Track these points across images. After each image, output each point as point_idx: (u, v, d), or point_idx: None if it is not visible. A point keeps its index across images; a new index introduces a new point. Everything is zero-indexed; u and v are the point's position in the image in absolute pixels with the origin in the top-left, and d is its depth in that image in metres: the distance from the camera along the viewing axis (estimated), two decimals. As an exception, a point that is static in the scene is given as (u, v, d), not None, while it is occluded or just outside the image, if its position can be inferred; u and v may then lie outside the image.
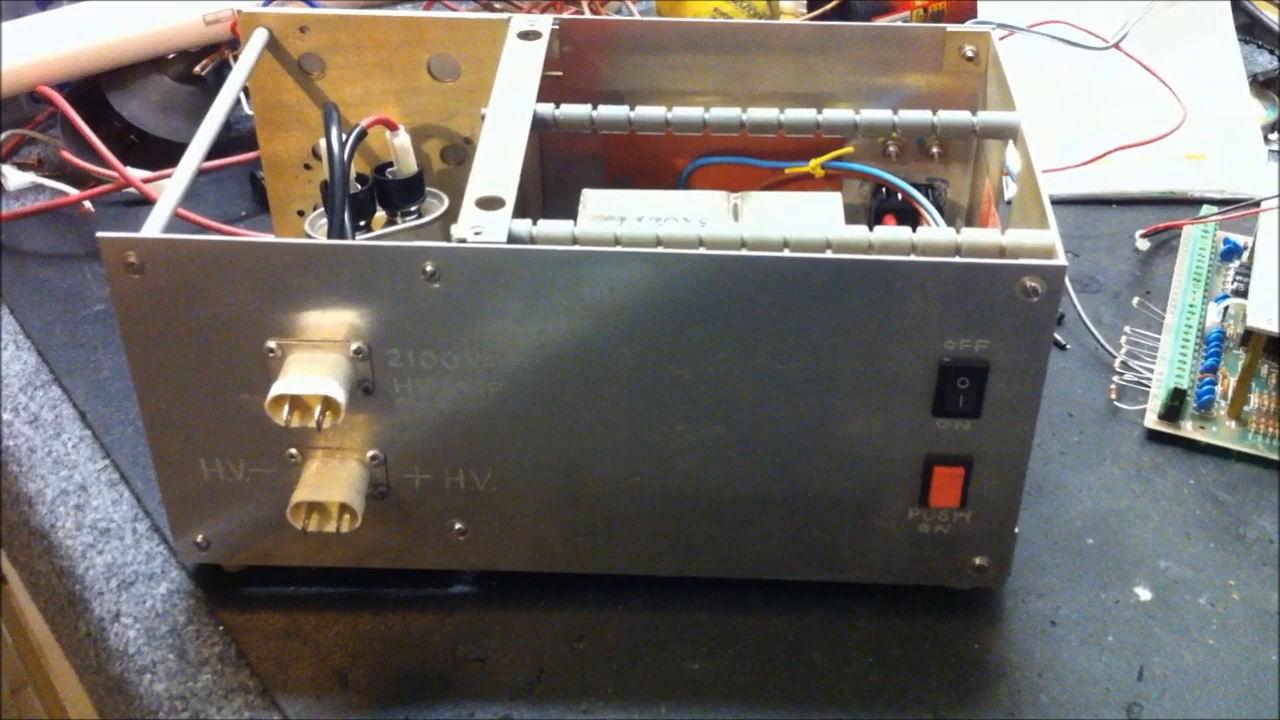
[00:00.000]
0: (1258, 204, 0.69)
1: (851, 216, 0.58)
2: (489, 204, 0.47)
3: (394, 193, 0.57)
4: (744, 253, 0.45)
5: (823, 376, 0.47)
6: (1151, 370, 0.63)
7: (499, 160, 0.49)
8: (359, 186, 0.57)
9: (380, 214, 0.58)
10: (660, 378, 0.47)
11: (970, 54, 0.58)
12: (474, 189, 0.48)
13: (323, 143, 0.54)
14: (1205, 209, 0.74)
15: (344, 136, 0.54)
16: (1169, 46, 0.82)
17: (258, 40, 0.58)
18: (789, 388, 0.47)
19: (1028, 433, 0.48)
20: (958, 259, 0.46)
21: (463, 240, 0.45)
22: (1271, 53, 0.88)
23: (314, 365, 0.46)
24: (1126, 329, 0.65)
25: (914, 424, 0.48)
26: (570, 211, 0.54)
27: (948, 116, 0.54)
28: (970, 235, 0.47)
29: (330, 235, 0.52)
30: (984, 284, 0.45)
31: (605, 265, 0.45)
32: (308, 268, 0.45)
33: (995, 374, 0.47)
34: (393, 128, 0.57)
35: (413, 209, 0.58)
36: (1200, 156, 0.78)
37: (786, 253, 0.46)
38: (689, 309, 0.46)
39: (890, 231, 0.47)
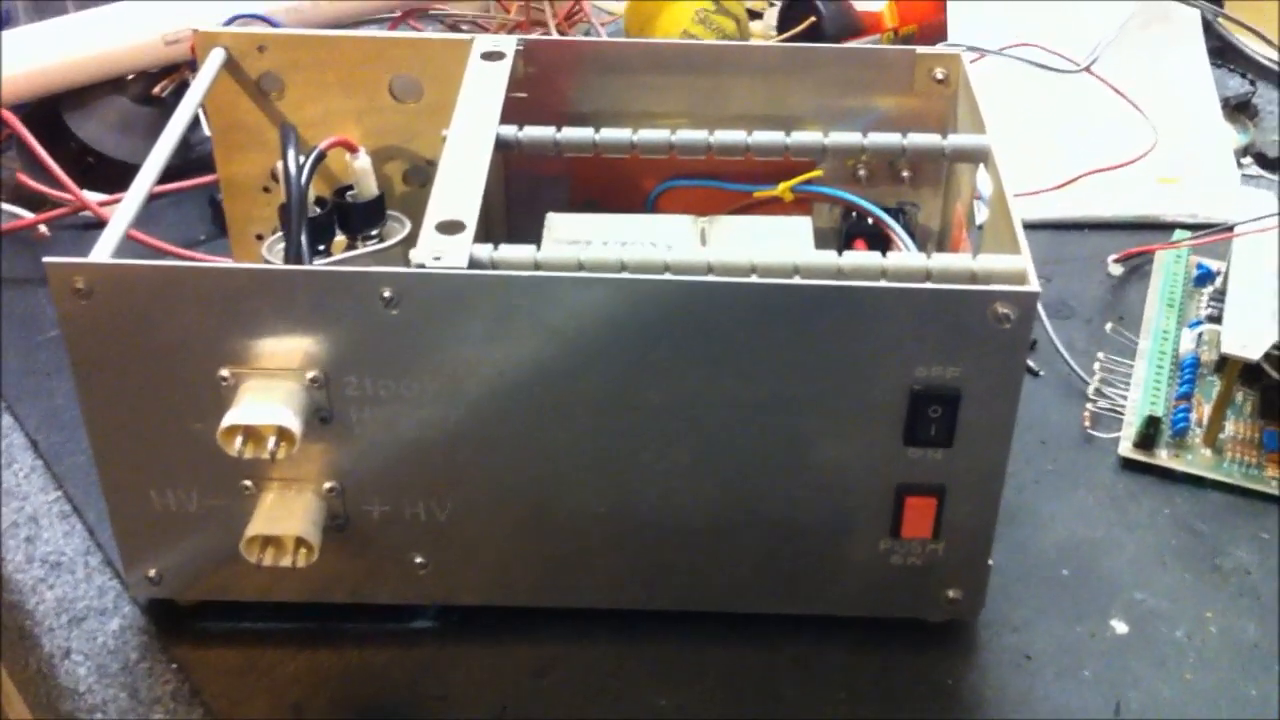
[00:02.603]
0: (1231, 229, 0.68)
1: (821, 240, 0.57)
2: (449, 228, 0.46)
3: (354, 216, 0.56)
4: (710, 278, 0.44)
5: (791, 404, 0.46)
6: (1126, 397, 0.62)
7: (460, 183, 0.48)
8: (319, 210, 0.56)
9: (340, 238, 0.57)
10: (625, 405, 0.46)
11: (940, 76, 0.57)
12: (434, 213, 0.46)
13: (280, 165, 0.53)
14: (1178, 234, 0.73)
15: (302, 159, 0.53)
16: (1141, 70, 0.82)
17: (215, 60, 0.56)
18: (757, 415, 0.46)
19: (1001, 462, 0.47)
20: (928, 285, 0.45)
21: (421, 265, 0.44)
22: (1243, 76, 0.88)
23: (268, 394, 0.44)
24: (1100, 355, 0.64)
25: (885, 453, 0.47)
26: (536, 234, 0.53)
27: (917, 139, 0.53)
28: (941, 260, 0.46)
29: (287, 260, 0.51)
30: (955, 310, 0.44)
31: (568, 291, 0.44)
32: (261, 293, 0.44)
33: (967, 402, 0.46)
34: (353, 149, 0.56)
35: (374, 233, 0.57)
36: (1172, 180, 0.78)
37: (754, 278, 0.45)
38: (654, 335, 0.45)
39: (859, 257, 0.46)
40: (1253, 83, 0.87)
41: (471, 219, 0.46)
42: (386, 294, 0.43)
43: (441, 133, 0.51)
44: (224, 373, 0.45)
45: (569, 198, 0.59)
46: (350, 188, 0.57)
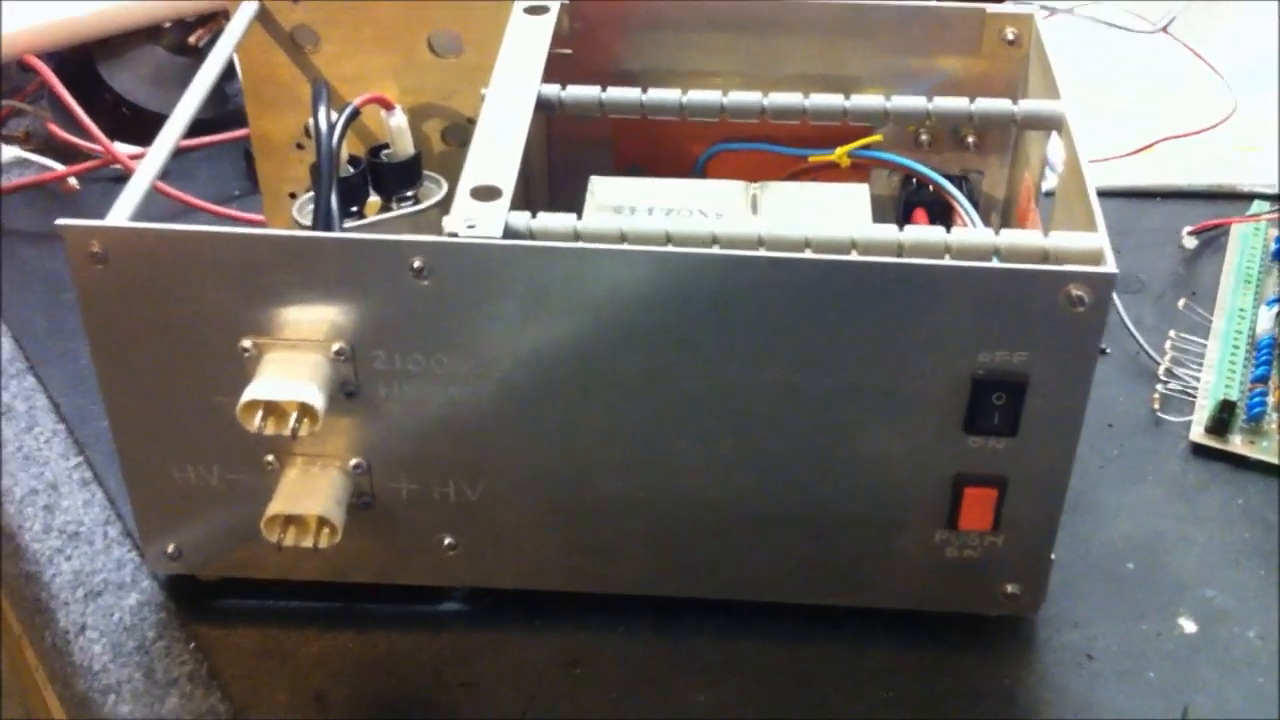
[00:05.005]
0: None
1: (879, 209, 0.54)
2: (485, 194, 0.43)
3: (389, 177, 0.54)
4: (760, 253, 0.41)
5: (843, 388, 0.43)
6: (1198, 378, 0.59)
7: (498, 146, 0.45)
8: (352, 169, 0.53)
9: (374, 199, 0.54)
10: (666, 386, 0.43)
11: (1011, 37, 0.54)
12: (469, 177, 0.44)
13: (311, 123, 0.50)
14: (1256, 205, 0.69)
15: (334, 117, 0.50)
16: (1219, 31, 0.78)
17: (246, 12, 0.54)
18: (806, 399, 0.43)
19: (1068, 452, 0.44)
20: (995, 264, 0.42)
21: (454, 234, 0.41)
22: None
23: (291, 367, 0.42)
24: (1171, 334, 0.61)
25: (943, 441, 0.44)
26: (579, 198, 0.51)
27: (986, 105, 0.50)
28: (1010, 237, 0.43)
29: (315, 225, 0.49)
30: (1024, 292, 0.41)
31: (609, 264, 0.41)
32: (285, 261, 0.41)
33: (1034, 389, 0.43)
34: (388, 107, 0.53)
35: (409, 194, 0.54)
36: (1251, 148, 0.74)
37: (808, 253, 0.42)
38: (700, 312, 0.42)
39: (922, 231, 0.43)
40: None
41: (509, 185, 0.43)
42: (417, 264, 0.41)
43: (481, 91, 0.49)
44: (246, 343, 0.43)
45: (614, 160, 0.57)
46: (386, 146, 0.54)
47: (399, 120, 0.53)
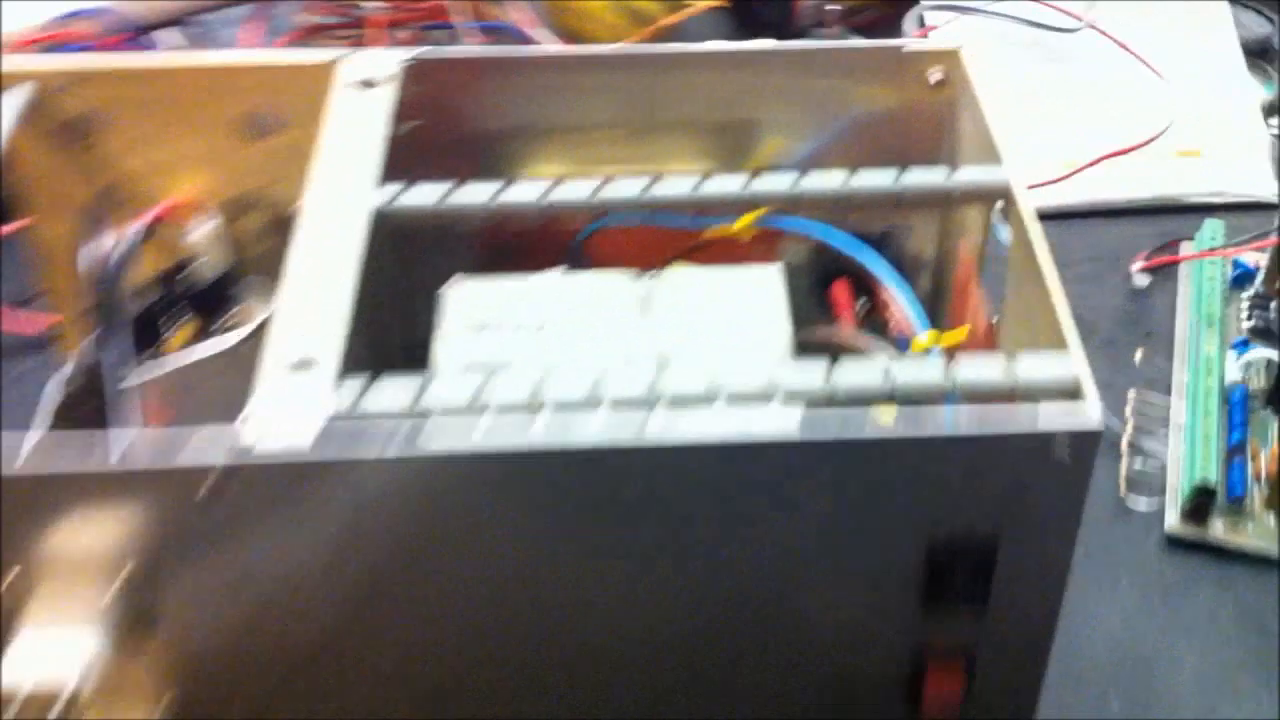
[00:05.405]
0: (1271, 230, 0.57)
1: (794, 278, 0.45)
2: (299, 367, 0.34)
3: (199, 297, 0.44)
4: (655, 439, 0.32)
5: (776, 566, 0.35)
6: (1165, 448, 0.51)
7: (316, 290, 0.36)
8: (164, 284, 0.44)
9: (189, 321, 0.45)
10: (549, 586, 0.34)
11: (934, 80, 0.45)
12: (278, 346, 0.34)
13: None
14: (1208, 225, 0.61)
15: (121, 240, 0.41)
16: (1149, 19, 0.70)
17: (14, 99, 0.44)
18: (729, 581, 0.35)
19: (1051, 616, 0.36)
20: (953, 428, 0.33)
21: (249, 447, 0.31)
22: (1260, 13, 0.76)
23: (56, 623, 0.32)
24: (1131, 393, 0.53)
25: (901, 614, 0.36)
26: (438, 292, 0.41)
27: (915, 180, 0.41)
28: (968, 369, 0.35)
29: (102, 390, 0.39)
30: (991, 455, 0.33)
31: (462, 467, 0.32)
32: (49, 499, 0.32)
33: (1006, 551, 0.35)
34: (191, 213, 0.44)
35: (229, 312, 0.45)
36: (1192, 153, 0.66)
37: (716, 415, 0.33)
38: (582, 509, 0.33)
39: (858, 372, 0.34)
40: (1271, 20, 0.75)
41: (330, 351, 0.34)
42: (205, 490, 0.31)
43: (292, 206, 0.39)
44: (10, 581, 0.33)
45: (479, 243, 0.47)
46: (194, 259, 0.45)
47: (206, 230, 0.44)
